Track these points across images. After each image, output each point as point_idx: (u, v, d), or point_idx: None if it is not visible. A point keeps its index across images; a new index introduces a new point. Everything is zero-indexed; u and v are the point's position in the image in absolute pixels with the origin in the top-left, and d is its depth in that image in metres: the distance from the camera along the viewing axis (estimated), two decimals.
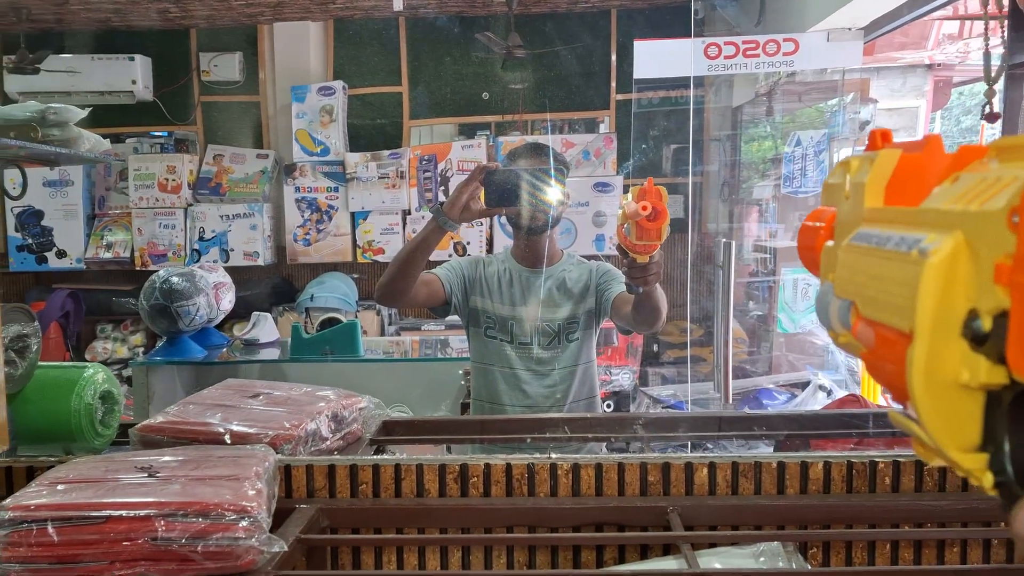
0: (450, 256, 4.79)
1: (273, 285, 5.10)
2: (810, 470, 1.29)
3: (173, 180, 5.01)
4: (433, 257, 2.10)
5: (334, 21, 5.18)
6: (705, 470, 1.30)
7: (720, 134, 5.18)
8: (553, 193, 2.03)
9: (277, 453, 1.32)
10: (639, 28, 4.92)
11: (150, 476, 1.13)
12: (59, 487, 1.10)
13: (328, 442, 1.48)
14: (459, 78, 5.21)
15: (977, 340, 0.33)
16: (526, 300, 2.20)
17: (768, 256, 4.77)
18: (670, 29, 4.96)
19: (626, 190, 4.93)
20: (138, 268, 5.09)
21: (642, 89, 4.70)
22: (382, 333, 4.94)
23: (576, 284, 2.20)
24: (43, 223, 5.14)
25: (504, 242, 4.71)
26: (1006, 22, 2.25)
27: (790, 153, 4.50)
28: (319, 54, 5.19)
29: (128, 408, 2.76)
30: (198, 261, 4.90)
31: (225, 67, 5.13)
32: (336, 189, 5.04)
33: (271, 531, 1.10)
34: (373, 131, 5.21)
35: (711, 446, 2.78)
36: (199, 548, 1.03)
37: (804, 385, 4.18)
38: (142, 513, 1.04)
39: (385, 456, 1.42)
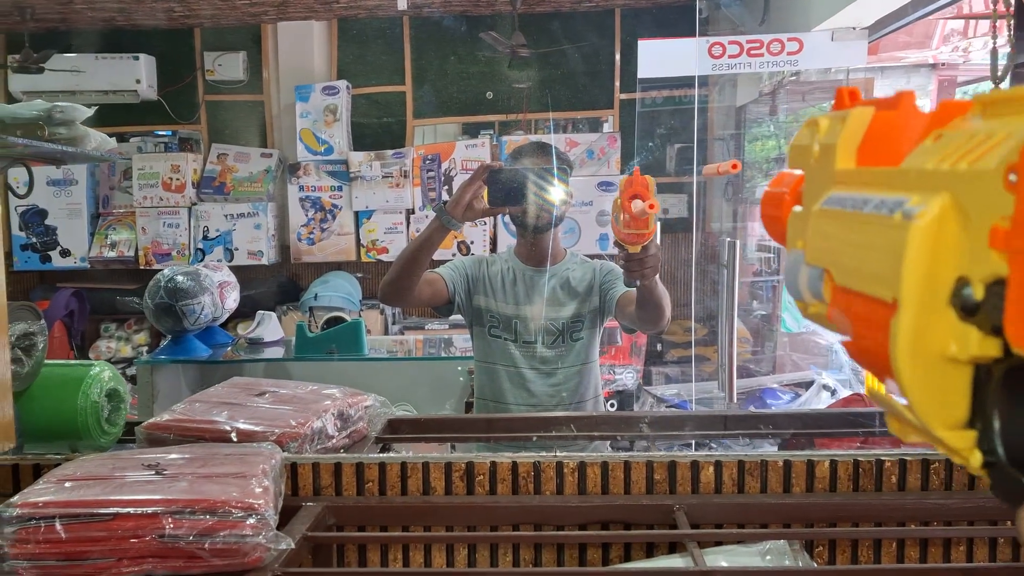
0: (454, 255, 4.79)
1: (277, 284, 5.10)
2: (816, 469, 1.29)
3: (177, 179, 5.01)
4: (437, 256, 2.10)
5: (338, 20, 5.18)
6: (711, 469, 1.30)
7: (724, 133, 5.18)
8: (556, 192, 2.03)
9: (283, 451, 1.32)
10: (643, 27, 4.92)
11: (157, 474, 1.13)
12: (66, 484, 1.10)
13: (334, 440, 1.48)
14: (463, 77, 5.21)
15: (967, 310, 0.31)
16: (530, 299, 2.20)
17: (772, 255, 4.77)
18: (674, 28, 4.95)
19: None
20: (142, 267, 5.10)
21: (646, 88, 4.70)
22: (386, 332, 4.94)
23: (580, 283, 2.20)
24: (47, 222, 5.15)
25: (508, 241, 4.71)
26: (1012, 21, 2.24)
27: None
28: (323, 53, 5.19)
29: (132, 407, 2.76)
30: (202, 260, 4.91)
31: (229, 66, 5.13)
32: (340, 188, 5.04)
33: (277, 529, 1.10)
34: (377, 130, 5.21)
35: (714, 445, 2.78)
36: (206, 545, 1.03)
37: (808, 385, 4.17)
38: (149, 510, 1.04)
39: (391, 454, 1.42)
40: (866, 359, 0.37)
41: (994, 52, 2.21)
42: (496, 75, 5.15)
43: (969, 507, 1.26)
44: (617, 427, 1.64)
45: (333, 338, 3.11)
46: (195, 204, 5.08)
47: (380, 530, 1.32)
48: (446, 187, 4.99)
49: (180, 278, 3.08)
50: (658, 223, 1.66)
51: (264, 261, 5.01)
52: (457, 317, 2.33)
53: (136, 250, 5.11)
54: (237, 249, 4.98)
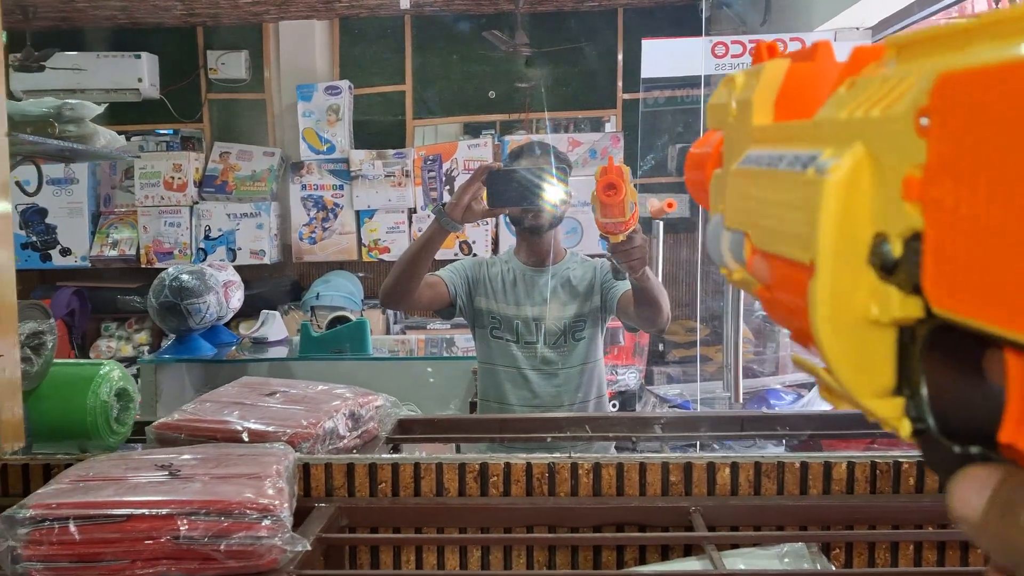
0: (456, 256, 4.78)
1: (279, 283, 5.09)
2: (833, 470, 1.28)
3: (179, 178, 5.00)
4: (439, 257, 2.10)
5: (339, 20, 5.16)
6: (727, 470, 1.29)
7: None
8: (556, 192, 2.03)
9: (295, 451, 1.31)
10: (646, 27, 4.91)
11: (171, 475, 1.12)
12: (80, 485, 1.09)
13: (345, 440, 1.47)
14: (464, 77, 5.20)
15: (886, 268, 0.28)
16: (531, 299, 2.20)
17: None
18: (677, 28, 4.95)
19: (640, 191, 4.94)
20: (143, 266, 5.08)
21: (649, 88, 4.69)
22: (387, 332, 4.93)
23: (581, 282, 2.19)
24: (47, 221, 5.13)
25: (510, 241, 4.70)
26: None
27: None
28: (324, 53, 5.18)
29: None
30: (204, 260, 4.89)
31: (232, 65, 5.12)
32: (341, 187, 5.03)
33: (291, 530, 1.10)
34: (378, 130, 5.19)
35: (716, 446, 2.77)
36: (222, 547, 1.02)
37: (811, 385, 4.17)
38: (164, 512, 1.03)
39: (404, 455, 1.41)
40: (788, 325, 0.35)
41: None
42: (498, 75, 5.14)
43: None
44: (632, 428, 1.63)
45: (338, 338, 3.10)
46: (197, 203, 5.06)
47: (393, 531, 1.31)
48: (447, 187, 4.98)
49: (185, 277, 3.07)
50: (636, 208, 1.68)
51: (266, 260, 5.00)
52: (458, 318, 2.32)
53: (137, 249, 5.10)
54: (240, 249, 4.97)
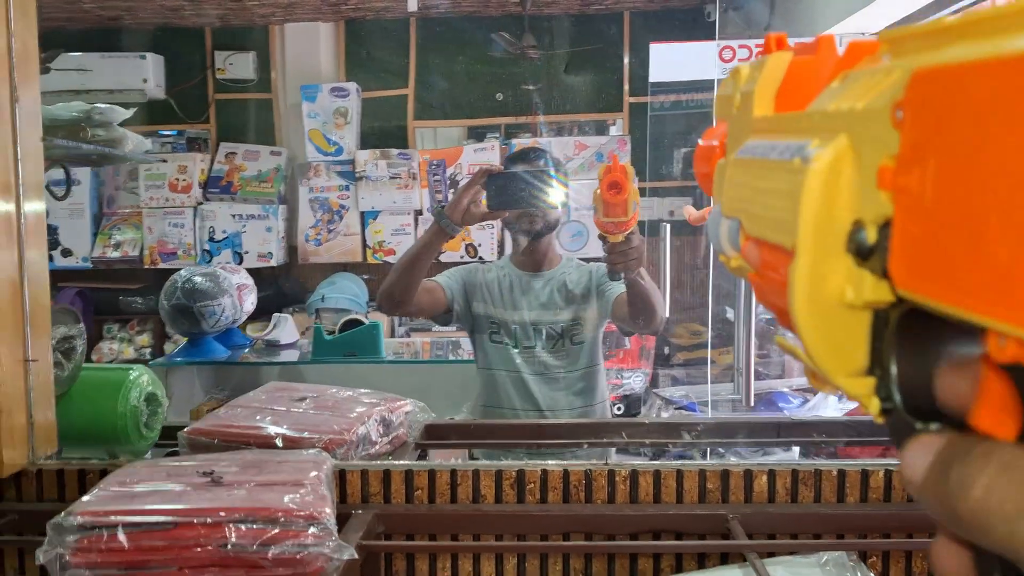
0: (462, 258, 4.78)
1: (283, 286, 5.07)
2: (871, 478, 1.29)
3: (184, 180, 4.98)
4: (445, 258, 2.10)
5: (345, 22, 5.16)
6: (764, 477, 1.29)
7: None
8: (555, 196, 2.03)
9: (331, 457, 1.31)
10: (652, 30, 4.92)
11: (214, 482, 1.12)
12: (124, 492, 1.09)
13: (377, 446, 1.47)
14: (471, 79, 5.18)
15: (862, 254, 0.30)
16: (528, 304, 2.20)
17: None
18: (682, 32, 4.96)
19: (640, 193, 4.94)
20: (147, 266, 5.07)
21: (656, 92, 4.70)
22: (392, 334, 4.92)
23: (577, 286, 2.20)
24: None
25: None
26: None
27: None
28: (330, 55, 5.17)
29: None
30: (210, 262, 4.87)
31: (240, 65, 5.10)
32: (347, 188, 5.02)
33: None
34: (382, 132, 5.18)
35: (722, 451, 2.77)
36: (269, 555, 1.02)
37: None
38: (211, 519, 1.03)
39: (440, 461, 1.41)
40: (773, 308, 0.36)
41: None
42: (503, 77, 5.13)
43: None
44: (668, 434, 1.64)
45: (351, 341, 3.09)
46: (201, 204, 5.04)
47: (429, 538, 1.31)
48: (452, 191, 4.97)
49: (198, 279, 3.05)
50: (637, 209, 1.69)
51: (273, 263, 4.99)
52: (455, 324, 2.32)
53: (141, 250, 5.08)
54: (247, 252, 4.94)
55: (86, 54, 4.89)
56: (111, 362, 4.94)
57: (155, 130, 5.17)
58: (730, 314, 4.42)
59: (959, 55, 0.26)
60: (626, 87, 5.11)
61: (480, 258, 4.84)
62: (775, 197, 0.34)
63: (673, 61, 4.21)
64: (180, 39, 5.17)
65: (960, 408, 0.28)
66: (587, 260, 2.31)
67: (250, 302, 3.29)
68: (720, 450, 2.65)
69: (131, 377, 1.51)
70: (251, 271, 4.12)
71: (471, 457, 2.09)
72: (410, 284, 2.05)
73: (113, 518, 1.01)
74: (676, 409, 4.32)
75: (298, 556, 1.02)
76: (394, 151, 4.99)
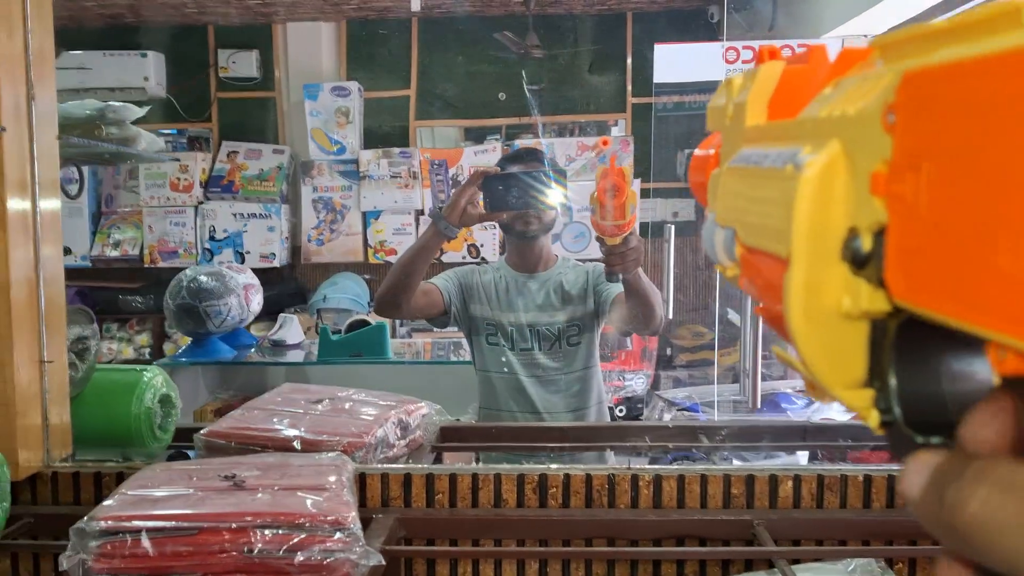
0: (464, 259, 4.76)
1: (285, 286, 5.05)
2: (897, 484, 1.27)
3: (185, 179, 4.96)
4: (447, 259, 2.09)
5: (348, 22, 5.14)
6: (789, 483, 1.28)
7: None
8: (552, 197, 2.02)
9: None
10: (655, 31, 4.91)
11: (236, 486, 1.10)
12: (146, 497, 1.07)
13: (395, 449, 1.45)
14: (473, 79, 5.17)
15: (858, 262, 0.29)
16: (524, 305, 2.19)
17: None
18: (685, 33, 4.95)
19: (644, 194, 4.94)
20: (147, 266, 5.04)
21: (660, 93, 4.69)
22: (393, 335, 4.90)
23: (573, 287, 2.19)
24: None
25: None
26: None
27: None
28: (332, 54, 5.15)
29: None
30: (210, 260, 4.85)
31: (243, 63, 5.08)
32: (350, 188, 5.00)
33: None
34: (384, 132, 5.16)
35: (727, 453, 2.76)
36: (296, 561, 1.00)
37: None
38: (235, 525, 1.01)
39: (461, 465, 1.40)
40: (771, 319, 0.35)
41: None
42: (505, 78, 5.12)
43: None
44: (693, 437, 1.62)
45: (357, 341, 3.07)
46: (202, 203, 5.02)
47: (450, 543, 1.29)
48: (454, 190, 4.95)
49: (203, 278, 3.03)
50: (636, 212, 1.69)
51: (276, 263, 4.97)
52: (452, 326, 2.31)
53: (141, 249, 5.05)
54: (249, 252, 4.92)
55: (87, 52, 4.87)
56: (110, 362, 4.91)
57: (156, 129, 5.12)
58: (731, 315, 4.41)
59: (950, 56, 0.25)
60: (629, 88, 5.10)
61: (482, 259, 4.83)
62: (769, 205, 0.33)
63: (677, 62, 4.20)
64: (182, 37, 5.15)
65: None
66: (587, 261, 2.30)
67: (257, 302, 3.27)
68: (725, 453, 2.64)
69: (145, 378, 1.49)
70: (254, 271, 4.12)
71: (477, 460, 2.08)
72: (408, 287, 2.04)
73: (136, 523, 1.00)
74: (679, 411, 4.30)
75: (325, 562, 1.01)
76: (395, 150, 4.97)
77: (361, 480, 1.30)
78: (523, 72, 5.09)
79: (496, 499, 1.31)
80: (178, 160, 4.90)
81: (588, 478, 1.30)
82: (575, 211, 4.71)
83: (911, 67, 0.27)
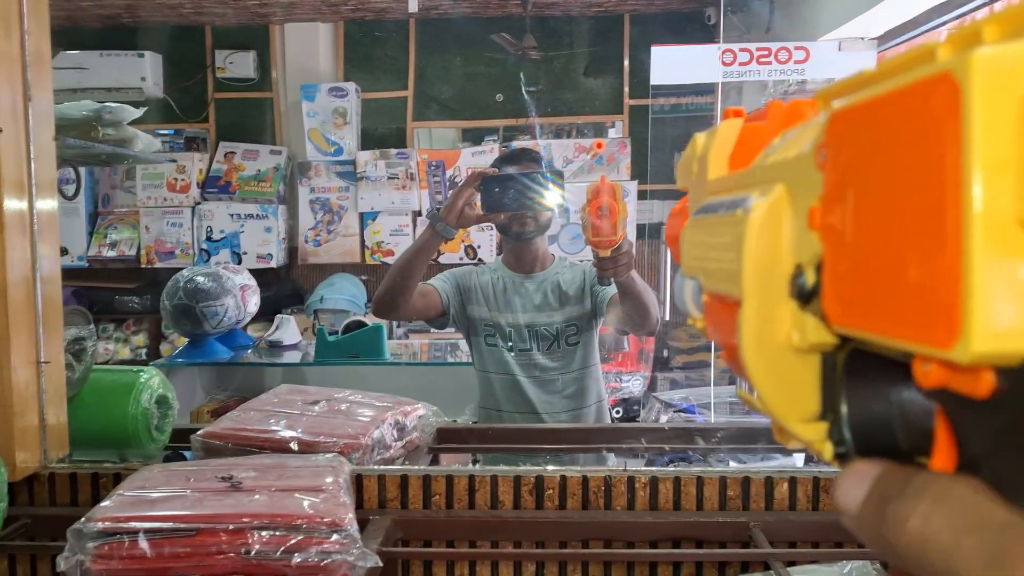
0: (461, 260, 4.76)
1: (282, 287, 5.04)
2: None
3: (183, 180, 4.96)
4: (444, 260, 2.10)
5: (345, 23, 5.14)
6: (785, 485, 1.29)
7: None
8: (550, 198, 2.03)
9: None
10: (652, 33, 4.91)
11: (233, 487, 1.11)
12: (144, 498, 1.07)
13: (392, 450, 1.45)
14: (470, 80, 5.17)
15: (804, 297, 0.30)
16: (522, 306, 2.20)
17: None
18: (682, 35, 4.95)
19: (641, 195, 4.94)
20: (144, 266, 5.04)
21: (656, 95, 4.69)
22: (391, 336, 4.90)
23: (570, 286, 2.19)
24: None
25: None
26: None
27: None
28: (329, 55, 5.15)
29: None
30: (207, 261, 4.85)
31: (241, 64, 5.08)
32: (347, 189, 5.00)
33: None
34: (381, 133, 5.16)
35: (723, 456, 2.76)
36: (293, 563, 1.00)
37: None
38: (233, 526, 1.01)
39: (459, 466, 1.40)
40: (730, 360, 0.36)
41: None
42: (502, 79, 5.12)
43: None
44: (689, 439, 1.62)
45: (354, 342, 3.07)
46: (199, 204, 5.01)
47: (447, 545, 1.30)
48: (452, 192, 4.94)
49: (200, 279, 3.03)
50: (626, 225, 1.71)
51: (273, 264, 4.96)
52: (449, 328, 2.31)
53: (138, 249, 5.05)
54: (246, 253, 4.92)
55: (84, 52, 4.86)
56: (106, 362, 4.90)
57: (153, 129, 5.13)
58: None
59: (870, 93, 0.26)
60: (626, 89, 5.10)
61: (479, 260, 4.83)
62: (723, 251, 0.34)
63: (674, 64, 4.20)
64: (179, 38, 5.14)
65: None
66: (584, 261, 2.31)
67: (254, 303, 3.27)
68: (722, 455, 2.64)
69: (142, 379, 1.49)
70: (251, 272, 4.12)
71: (475, 462, 2.08)
72: (405, 288, 2.04)
73: (134, 524, 1.00)
74: (676, 412, 4.31)
75: (322, 564, 1.01)
76: (393, 151, 4.97)
77: (358, 481, 1.30)
78: (520, 74, 5.09)
79: (493, 501, 1.31)
80: (175, 161, 4.90)
81: (585, 480, 1.30)
82: (571, 212, 4.72)
83: (838, 107, 0.28)
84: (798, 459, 2.82)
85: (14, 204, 1.29)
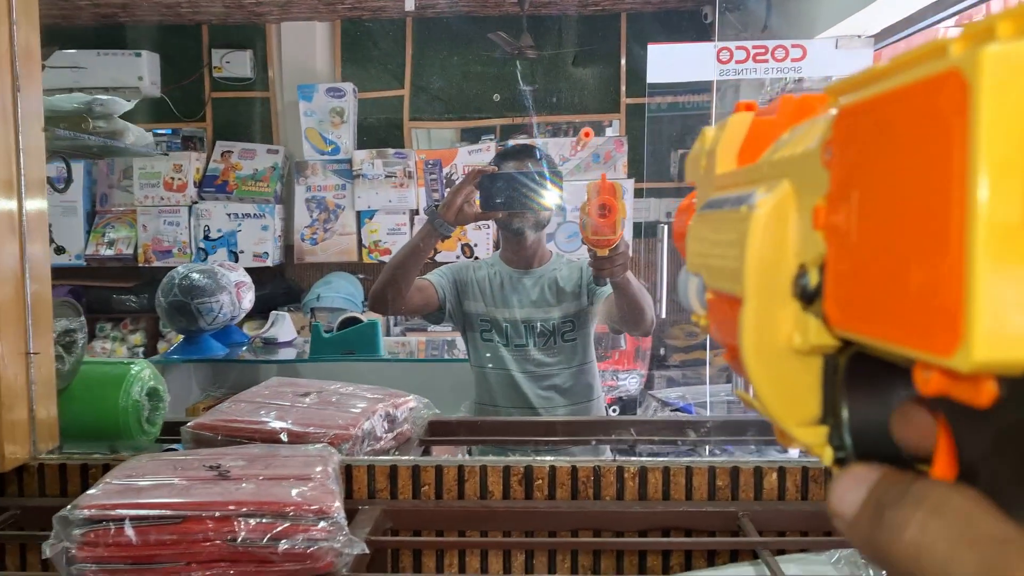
0: (457, 257, 4.76)
1: (278, 285, 5.04)
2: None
3: (179, 179, 4.96)
4: (440, 258, 2.10)
5: (341, 22, 5.14)
6: (774, 475, 1.29)
7: None
8: (549, 195, 2.03)
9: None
10: (649, 31, 4.91)
11: (221, 476, 1.11)
12: (131, 486, 1.07)
13: (382, 442, 1.45)
14: (467, 79, 5.17)
15: (806, 298, 0.30)
16: (518, 302, 2.20)
17: None
18: (679, 33, 4.95)
19: (638, 194, 4.94)
20: (141, 264, 5.04)
21: (653, 93, 4.69)
22: (387, 334, 4.90)
23: (567, 282, 2.19)
24: None
25: None
26: None
27: None
28: (326, 54, 5.15)
29: None
30: (204, 260, 4.85)
31: (238, 63, 5.08)
32: (344, 187, 5.00)
33: None
34: (378, 132, 5.16)
35: (718, 451, 2.76)
36: (279, 550, 1.00)
37: None
38: (219, 513, 1.01)
39: (448, 457, 1.40)
40: (731, 360, 0.36)
41: None
42: (499, 78, 5.12)
43: None
44: (678, 431, 1.63)
45: (349, 339, 3.08)
46: (196, 203, 5.02)
47: (436, 534, 1.30)
48: (450, 189, 4.94)
49: (195, 275, 3.03)
50: (624, 225, 1.71)
51: (269, 263, 4.96)
52: (446, 323, 2.31)
53: (135, 248, 5.05)
54: (242, 252, 4.92)
55: (81, 51, 4.85)
56: None
57: (150, 128, 5.11)
58: None
59: (877, 89, 0.26)
60: (623, 88, 5.10)
61: (475, 258, 4.83)
62: (727, 247, 0.34)
63: (671, 62, 4.20)
64: (176, 37, 5.14)
65: (920, 454, 0.28)
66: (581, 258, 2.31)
67: (248, 300, 3.27)
68: (716, 449, 2.64)
69: (133, 371, 1.49)
70: (248, 270, 4.12)
71: (469, 454, 2.08)
72: (402, 284, 2.05)
73: (120, 512, 1.00)
74: (672, 411, 4.31)
75: (308, 551, 1.01)
76: (390, 150, 4.97)
77: (347, 472, 1.31)
78: (517, 72, 5.10)
79: (482, 491, 1.31)
80: (167, 156, 4.90)
81: (574, 470, 1.30)
82: (568, 210, 4.72)
83: (845, 103, 0.28)
84: (792, 452, 2.83)
85: (3, 199, 1.29)
